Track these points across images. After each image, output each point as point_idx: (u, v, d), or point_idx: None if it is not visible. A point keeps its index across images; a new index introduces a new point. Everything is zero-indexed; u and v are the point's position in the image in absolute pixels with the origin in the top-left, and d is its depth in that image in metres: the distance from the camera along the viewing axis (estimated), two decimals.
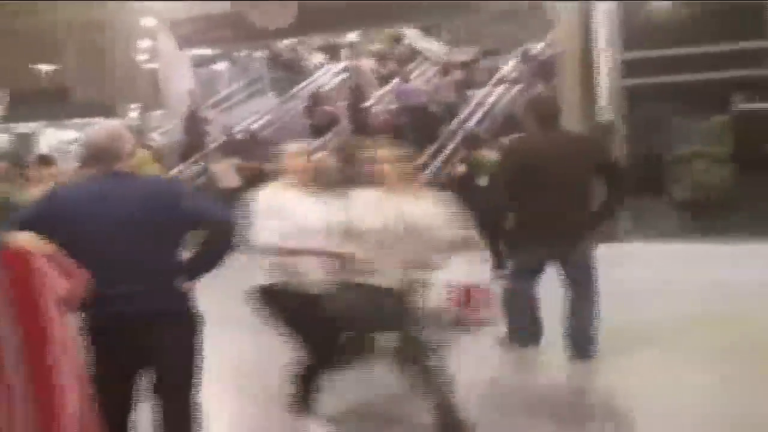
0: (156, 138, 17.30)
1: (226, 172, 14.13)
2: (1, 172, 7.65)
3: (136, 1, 17.85)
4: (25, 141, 22.23)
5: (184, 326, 3.58)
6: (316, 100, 17.03)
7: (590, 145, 6.37)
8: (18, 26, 23.20)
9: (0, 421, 1.69)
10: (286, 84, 18.59)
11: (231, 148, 15.67)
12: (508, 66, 16.14)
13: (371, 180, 4.55)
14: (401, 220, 4.34)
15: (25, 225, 2.77)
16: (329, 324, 4.48)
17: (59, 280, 1.82)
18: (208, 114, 17.73)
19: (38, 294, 1.76)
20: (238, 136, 16.59)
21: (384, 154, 4.56)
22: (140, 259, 3.41)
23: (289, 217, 4.65)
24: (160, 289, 3.48)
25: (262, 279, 4.72)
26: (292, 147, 5.02)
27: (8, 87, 22.89)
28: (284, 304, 4.68)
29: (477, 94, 15.55)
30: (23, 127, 22.98)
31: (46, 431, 1.73)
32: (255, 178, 10.12)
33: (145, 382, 3.61)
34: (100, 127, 3.69)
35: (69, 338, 1.82)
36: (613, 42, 12.32)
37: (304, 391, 4.76)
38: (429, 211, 4.46)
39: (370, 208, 4.38)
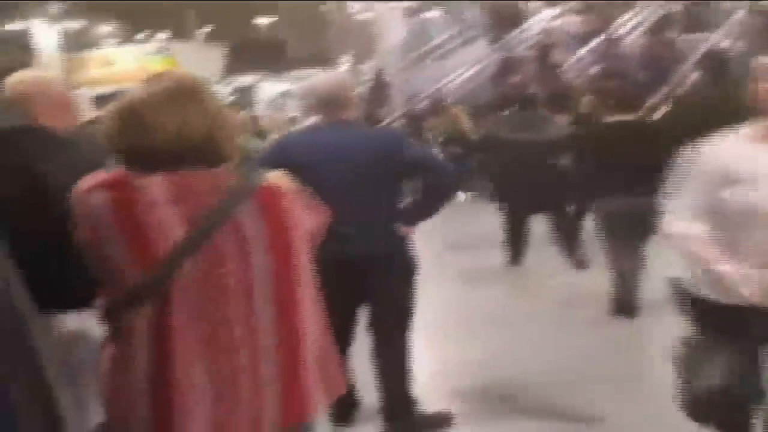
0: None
1: None
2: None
3: None
4: (245, 94, 23.33)
5: (400, 269, 3.72)
6: (506, 66, 15.44)
7: None
8: None
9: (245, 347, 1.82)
10: (500, 32, 18.11)
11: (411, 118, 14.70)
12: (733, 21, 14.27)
13: None
14: None
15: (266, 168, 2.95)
16: None
17: (306, 215, 1.93)
18: (393, 79, 17.38)
19: (288, 227, 1.87)
20: (419, 106, 15.39)
21: None
22: (362, 203, 3.56)
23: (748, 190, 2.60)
24: (380, 233, 3.62)
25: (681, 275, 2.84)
26: None
27: (229, 41, 24.16)
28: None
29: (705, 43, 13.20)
30: (243, 80, 24.14)
31: (291, 358, 1.86)
32: None
33: (364, 318, 3.78)
34: (326, 76, 3.85)
35: (311, 272, 1.93)
36: None
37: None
38: None
39: None
